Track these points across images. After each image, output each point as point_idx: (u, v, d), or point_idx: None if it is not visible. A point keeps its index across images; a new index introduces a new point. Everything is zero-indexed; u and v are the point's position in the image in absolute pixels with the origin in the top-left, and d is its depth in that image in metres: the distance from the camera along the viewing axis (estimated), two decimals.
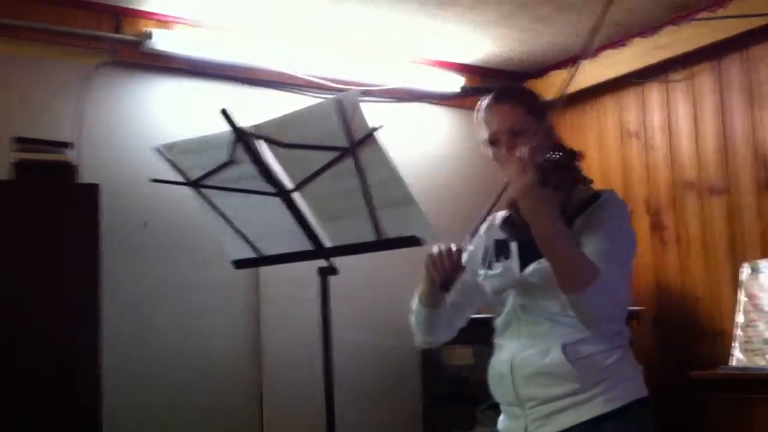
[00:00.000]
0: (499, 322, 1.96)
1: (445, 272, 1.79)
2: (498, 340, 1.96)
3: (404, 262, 3.72)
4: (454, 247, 1.80)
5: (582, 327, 1.75)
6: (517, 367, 1.86)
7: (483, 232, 2.04)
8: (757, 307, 3.27)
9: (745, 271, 3.36)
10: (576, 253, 1.70)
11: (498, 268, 1.94)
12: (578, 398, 1.79)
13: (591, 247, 1.76)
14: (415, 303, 2.05)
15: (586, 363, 1.77)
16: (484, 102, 1.98)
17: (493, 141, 1.93)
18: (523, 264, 1.88)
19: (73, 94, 3.24)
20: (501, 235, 1.97)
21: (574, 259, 1.69)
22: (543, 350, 1.82)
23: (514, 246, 1.92)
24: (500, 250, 1.96)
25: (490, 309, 2.00)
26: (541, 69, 4.30)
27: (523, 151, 1.69)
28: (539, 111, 1.96)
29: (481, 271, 2.00)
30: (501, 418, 1.97)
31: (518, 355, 1.86)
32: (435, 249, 1.83)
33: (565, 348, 1.79)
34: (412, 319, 2.08)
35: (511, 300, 1.90)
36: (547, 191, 1.68)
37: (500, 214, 2.04)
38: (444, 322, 2.04)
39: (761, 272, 3.31)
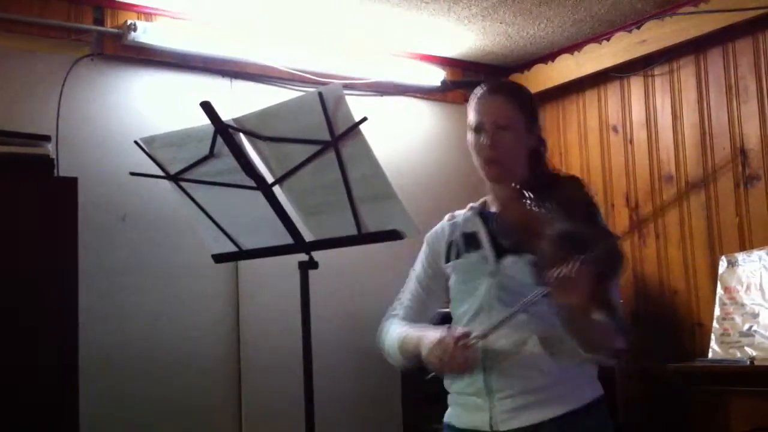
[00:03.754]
0: (463, 311, 1.93)
1: (460, 369, 1.77)
2: (465, 326, 1.90)
3: (386, 256, 3.75)
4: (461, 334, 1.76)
5: (557, 319, 1.72)
6: (491, 358, 1.82)
7: (447, 230, 2.05)
8: (734, 300, 3.30)
9: (722, 264, 3.39)
10: (604, 332, 1.67)
11: (471, 257, 1.93)
12: (550, 393, 1.78)
13: None
14: (392, 346, 2.00)
15: (560, 355, 1.76)
16: (479, 91, 1.99)
17: (477, 129, 1.94)
18: (497, 254, 1.88)
19: (53, 87, 3.21)
20: (469, 229, 1.97)
21: (603, 339, 1.67)
22: (518, 340, 1.81)
23: (484, 237, 1.92)
24: (470, 241, 1.96)
25: (453, 297, 1.99)
26: (524, 63, 4.31)
27: (582, 272, 1.56)
28: (531, 112, 1.97)
29: (449, 263, 2.00)
30: (452, 412, 1.94)
31: (492, 345, 1.81)
32: (444, 342, 1.77)
33: (542, 339, 1.78)
34: (383, 345, 2.06)
35: (483, 289, 1.88)
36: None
37: (462, 213, 2.06)
38: None
39: (738, 265, 3.34)
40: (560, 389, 1.79)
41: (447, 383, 1.97)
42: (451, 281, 1.99)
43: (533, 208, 1.74)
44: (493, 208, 1.98)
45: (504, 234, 1.82)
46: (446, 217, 2.10)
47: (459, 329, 1.79)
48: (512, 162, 1.93)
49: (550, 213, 1.70)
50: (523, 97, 2.00)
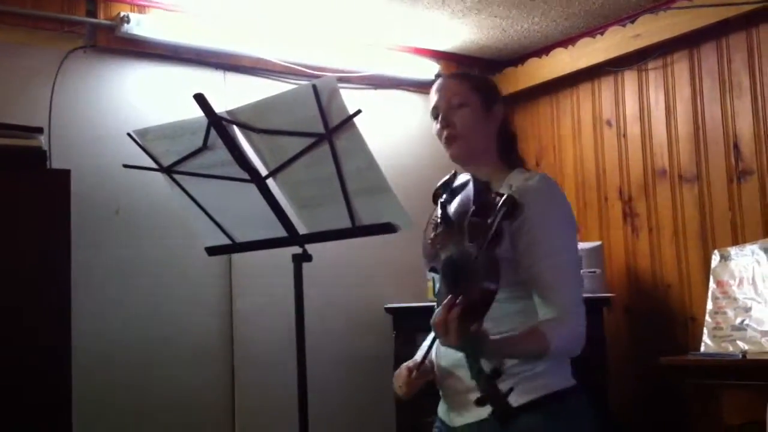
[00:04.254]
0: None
1: (407, 392, 1.83)
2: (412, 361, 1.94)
3: (380, 249, 3.76)
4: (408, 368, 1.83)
5: (503, 321, 1.70)
6: (439, 357, 1.85)
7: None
8: (726, 294, 3.31)
9: (715, 259, 3.40)
10: (518, 344, 1.65)
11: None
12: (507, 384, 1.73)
13: (535, 273, 1.71)
14: None
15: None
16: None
17: (434, 114, 1.94)
18: None
19: (46, 79, 3.20)
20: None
21: (523, 350, 1.67)
22: None
23: None
24: None
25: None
26: (518, 57, 4.31)
27: (452, 316, 1.49)
28: (487, 93, 1.94)
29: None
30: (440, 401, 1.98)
31: (441, 345, 1.79)
32: (398, 375, 1.87)
33: None
34: None
35: (445, 293, 1.87)
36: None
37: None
38: None
39: (731, 259, 3.35)
40: (515, 380, 1.69)
41: None
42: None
43: (436, 223, 1.69)
44: None
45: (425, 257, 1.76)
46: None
47: (409, 362, 1.87)
48: (472, 139, 1.89)
49: (444, 229, 1.64)
50: (477, 79, 1.97)
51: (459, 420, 1.82)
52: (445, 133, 1.90)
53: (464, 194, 1.70)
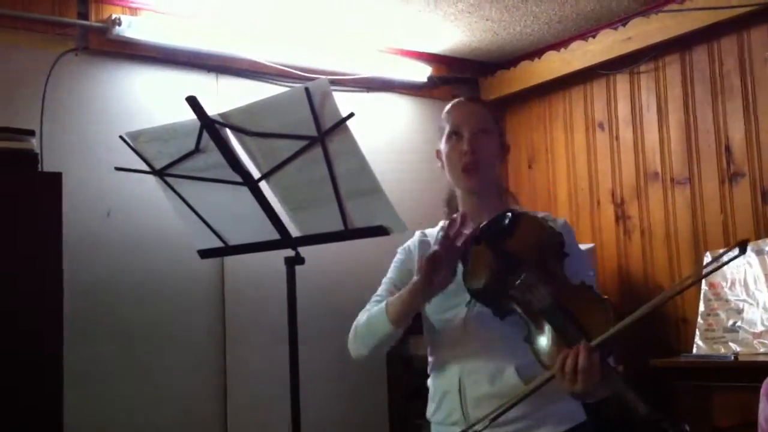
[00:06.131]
0: (440, 335, 1.89)
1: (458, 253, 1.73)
2: (441, 356, 1.88)
3: (372, 251, 3.74)
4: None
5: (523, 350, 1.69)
6: (468, 387, 1.79)
7: (417, 249, 1.98)
8: (718, 296, 3.33)
9: (707, 261, 3.41)
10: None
11: None
12: (528, 422, 1.75)
13: None
14: (376, 316, 1.88)
15: None
16: (454, 101, 2.02)
17: (455, 132, 1.92)
18: None
19: (37, 81, 3.18)
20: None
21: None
22: (495, 370, 1.76)
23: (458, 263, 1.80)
24: None
25: (431, 322, 1.92)
26: (510, 60, 4.32)
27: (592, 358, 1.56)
28: (501, 127, 2.03)
29: None
30: None
31: (469, 375, 1.79)
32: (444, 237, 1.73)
33: (519, 370, 1.75)
34: (360, 328, 1.93)
35: (459, 320, 1.83)
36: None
37: (433, 231, 2.00)
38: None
39: None
40: (537, 418, 1.75)
41: (429, 412, 1.93)
42: (427, 307, 1.90)
43: (500, 267, 1.69)
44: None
45: (476, 297, 1.76)
46: (417, 234, 2.04)
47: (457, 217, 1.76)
48: (491, 171, 1.94)
49: (524, 278, 1.66)
50: (496, 113, 2.04)
51: None
52: (470, 158, 1.89)
53: (527, 234, 1.73)
